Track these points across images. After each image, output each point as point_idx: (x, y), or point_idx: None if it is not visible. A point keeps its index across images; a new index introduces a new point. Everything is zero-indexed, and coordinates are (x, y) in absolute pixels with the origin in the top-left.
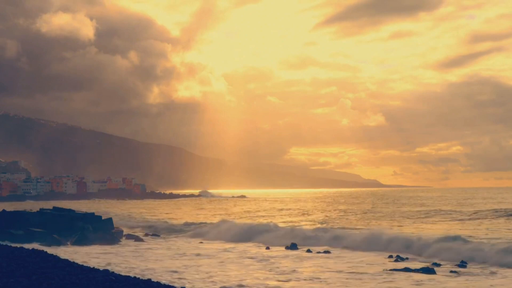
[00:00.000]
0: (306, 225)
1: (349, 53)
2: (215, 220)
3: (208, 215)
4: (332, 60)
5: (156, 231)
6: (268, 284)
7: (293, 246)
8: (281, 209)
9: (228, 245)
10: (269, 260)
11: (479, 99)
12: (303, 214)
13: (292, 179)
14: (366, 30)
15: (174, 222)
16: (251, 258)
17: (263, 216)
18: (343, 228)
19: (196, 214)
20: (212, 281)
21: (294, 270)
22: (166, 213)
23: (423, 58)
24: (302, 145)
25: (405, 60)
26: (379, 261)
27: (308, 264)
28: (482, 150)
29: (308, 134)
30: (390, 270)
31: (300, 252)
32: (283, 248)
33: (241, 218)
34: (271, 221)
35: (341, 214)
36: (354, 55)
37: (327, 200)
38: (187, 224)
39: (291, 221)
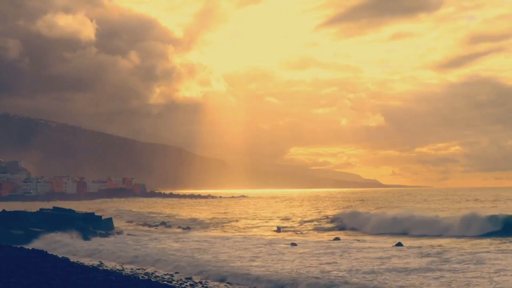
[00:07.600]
0: None
1: (350, 54)
2: None
3: None
4: (333, 60)
5: None
6: None
7: None
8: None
9: None
10: None
11: (479, 99)
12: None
13: (292, 179)
14: (366, 31)
15: None
16: None
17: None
18: None
19: None
20: None
21: None
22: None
23: (423, 59)
24: (302, 145)
25: (405, 60)
26: None
27: None
28: (481, 150)
29: (308, 134)
30: None
31: None
32: None
33: None
34: None
35: None
36: (355, 55)
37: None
38: None
39: None
